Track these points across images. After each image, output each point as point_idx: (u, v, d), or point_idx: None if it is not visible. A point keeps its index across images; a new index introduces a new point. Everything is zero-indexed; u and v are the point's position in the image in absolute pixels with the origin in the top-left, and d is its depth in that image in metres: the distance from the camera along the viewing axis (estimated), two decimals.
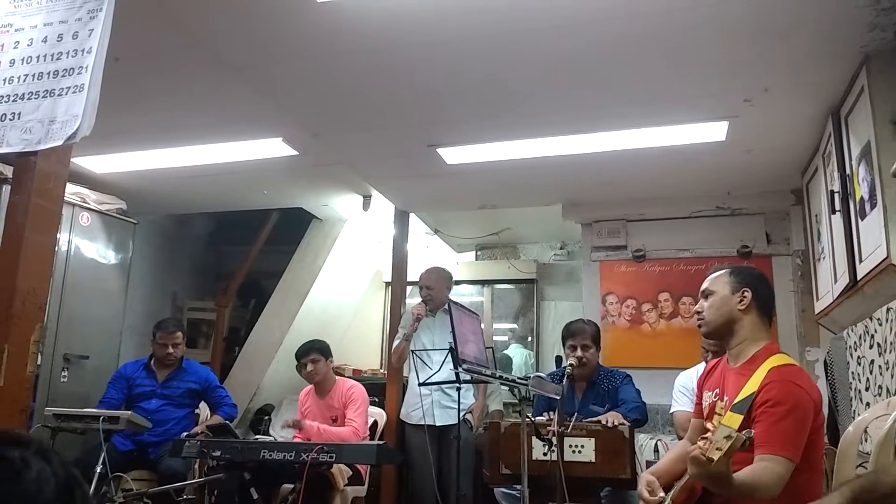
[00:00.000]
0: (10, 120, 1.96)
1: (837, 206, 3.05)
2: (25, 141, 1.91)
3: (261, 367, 5.40)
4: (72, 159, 2.02)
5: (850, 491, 1.22)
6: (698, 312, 2.19)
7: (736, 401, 1.93)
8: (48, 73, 1.97)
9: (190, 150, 4.00)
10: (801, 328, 4.28)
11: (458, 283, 5.51)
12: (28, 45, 2.04)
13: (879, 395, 2.74)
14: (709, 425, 2.10)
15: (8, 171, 3.53)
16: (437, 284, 4.26)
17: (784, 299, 4.39)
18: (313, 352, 4.04)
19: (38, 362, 3.90)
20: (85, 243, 4.37)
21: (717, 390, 2.09)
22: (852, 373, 3.18)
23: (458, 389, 3.56)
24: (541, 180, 4.35)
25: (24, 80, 1.99)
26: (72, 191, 4.24)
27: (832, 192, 3.11)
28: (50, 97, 1.94)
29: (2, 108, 2.00)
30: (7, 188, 3.63)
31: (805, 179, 3.92)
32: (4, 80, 2.03)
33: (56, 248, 3.77)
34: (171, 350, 4.01)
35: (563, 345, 3.57)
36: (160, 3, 2.52)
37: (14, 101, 1.98)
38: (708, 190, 4.46)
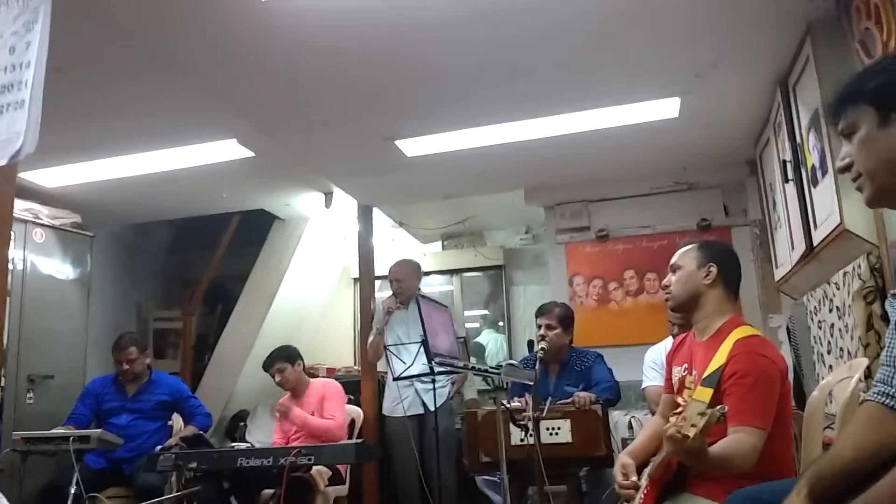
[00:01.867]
0: None
1: (790, 174, 3.11)
2: None
3: (232, 373, 5.34)
4: (20, 174, 1.97)
5: (806, 483, 1.24)
6: (665, 287, 2.23)
7: (705, 374, 1.97)
8: None
9: (143, 157, 3.91)
10: (763, 296, 4.37)
11: (426, 273, 5.51)
12: None
13: (841, 357, 2.82)
14: (680, 400, 2.15)
15: None
16: (406, 276, 4.27)
17: (745, 269, 4.34)
18: (277, 361, 4.00)
19: (2, 385, 3.83)
20: (41, 260, 4.26)
21: (686, 365, 2.13)
22: (814, 337, 3.26)
23: (433, 380, 3.58)
24: (501, 166, 4.36)
25: None
26: (23, 207, 4.12)
27: (784, 162, 3.18)
28: None
29: None
30: None
31: (758, 150, 4.00)
32: None
33: (10, 268, 3.67)
34: (126, 366, 3.93)
35: (536, 323, 3.61)
36: (100, 9, 2.46)
37: None
38: (665, 166, 4.52)
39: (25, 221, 4.14)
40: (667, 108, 3.53)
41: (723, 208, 4.63)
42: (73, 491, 3.03)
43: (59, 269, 4.38)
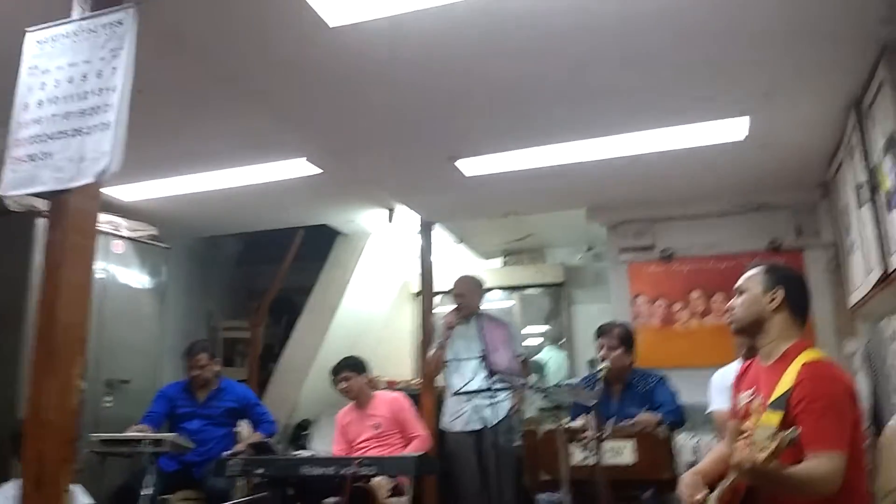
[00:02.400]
0: (42, 160, 2.03)
1: (865, 198, 3.00)
2: (58, 179, 1.97)
3: (296, 382, 5.46)
4: (102, 189, 2.08)
5: None
6: (730, 309, 2.18)
7: (772, 399, 1.92)
8: (75, 113, 2.03)
9: (217, 174, 4.07)
10: (837, 321, 4.20)
11: (486, 290, 5.53)
12: (55, 86, 2.10)
13: None
14: (746, 425, 2.09)
15: (40, 203, 3.63)
16: (469, 291, 4.29)
17: (818, 292, 4.31)
18: (345, 370, 4.08)
19: (83, 389, 4.02)
20: (120, 270, 4.46)
21: (752, 390, 2.08)
22: (891, 365, 3.12)
23: (493, 397, 3.58)
24: (563, 186, 4.34)
25: (53, 120, 2.05)
26: (104, 220, 4.33)
27: (858, 185, 3.06)
28: (78, 136, 1.99)
29: (33, 148, 2.06)
30: (40, 221, 3.77)
31: (831, 172, 3.86)
32: (34, 120, 2.10)
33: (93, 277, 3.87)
34: (197, 372, 4.08)
35: (596, 343, 3.57)
36: (178, 36, 2.59)
37: (44, 141, 2.05)
38: (733, 186, 4.41)
39: (106, 233, 4.36)
40: (735, 129, 3.45)
41: (794, 230, 4.49)
42: (146, 492, 3.15)
43: (137, 279, 4.58)
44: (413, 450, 3.85)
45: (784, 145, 3.68)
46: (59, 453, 1.78)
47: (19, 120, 2.11)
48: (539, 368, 5.94)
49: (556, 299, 6.13)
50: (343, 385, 4.06)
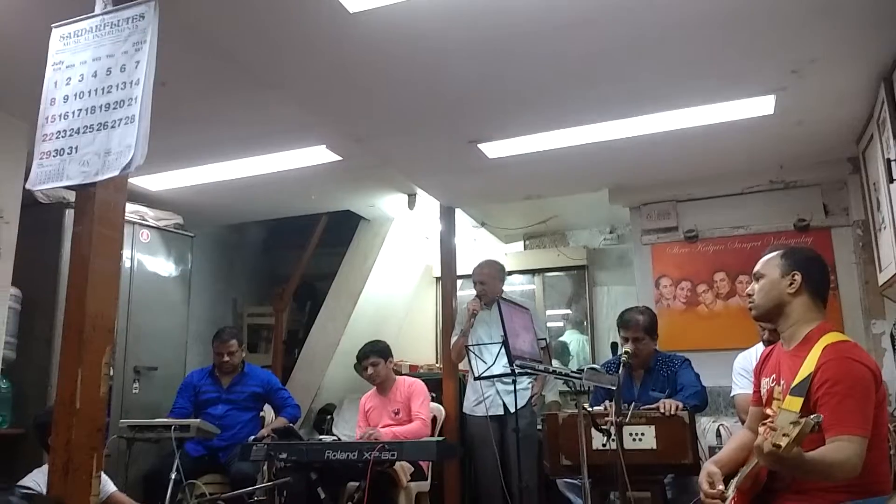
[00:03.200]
0: (69, 154, 2.06)
1: (895, 174, 2.94)
2: (84, 173, 2.01)
3: (320, 367, 5.52)
4: (129, 180, 2.12)
5: None
6: (749, 295, 2.17)
7: (794, 384, 1.91)
8: (100, 107, 2.06)
9: (239, 162, 4.11)
10: (866, 300, 4.14)
11: (508, 273, 5.53)
12: (79, 81, 2.13)
13: None
14: (768, 411, 2.08)
15: (70, 195, 3.69)
16: (490, 279, 4.30)
17: (846, 271, 4.26)
18: (372, 355, 4.13)
19: (111, 376, 4.12)
20: (147, 259, 4.54)
21: (774, 375, 2.07)
22: None
23: (514, 381, 3.59)
24: (585, 167, 4.31)
25: (79, 115, 2.09)
26: (131, 210, 4.41)
27: (889, 161, 3.00)
28: (104, 129, 2.03)
29: (60, 142, 2.10)
30: (69, 212, 3.84)
31: (861, 147, 3.78)
32: (60, 115, 2.13)
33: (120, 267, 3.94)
34: (226, 358, 4.17)
35: (619, 333, 3.55)
36: (198, 28, 2.61)
37: (71, 135, 2.08)
38: (759, 164, 4.34)
39: (133, 223, 4.43)
40: (762, 106, 3.39)
41: (822, 208, 4.41)
42: (173, 476, 3.23)
43: (163, 267, 4.66)
44: (411, 429, 3.89)
45: (812, 121, 3.61)
46: (87, 441, 1.83)
47: (46, 115, 2.15)
48: (563, 350, 5.94)
49: (579, 282, 6.10)
50: (370, 371, 4.11)
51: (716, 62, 2.98)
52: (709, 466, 2.13)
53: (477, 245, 6.11)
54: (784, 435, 1.55)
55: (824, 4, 2.52)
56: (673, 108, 3.42)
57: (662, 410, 3.00)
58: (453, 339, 4.38)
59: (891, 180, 3.02)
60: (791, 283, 2.04)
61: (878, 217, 3.53)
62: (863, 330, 4.10)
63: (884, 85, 3.03)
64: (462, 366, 4.65)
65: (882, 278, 3.59)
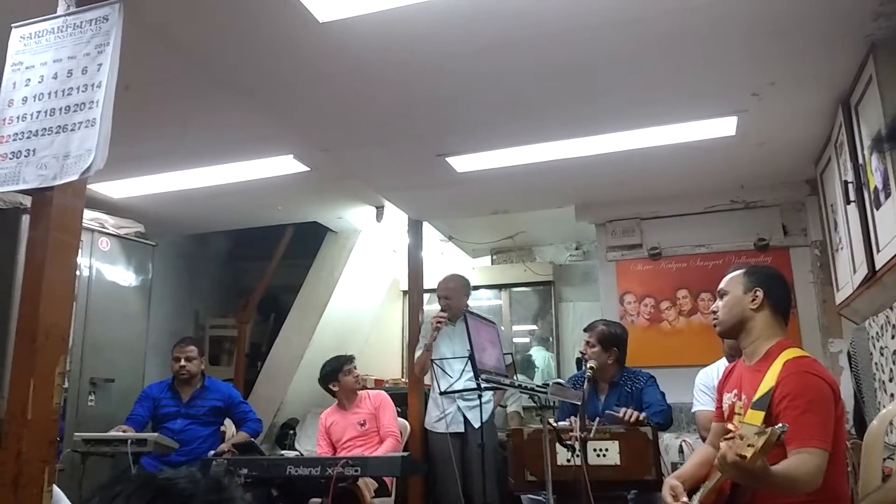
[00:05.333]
0: (26, 157, 2.00)
1: (852, 196, 3.02)
2: (41, 177, 1.95)
3: (283, 381, 5.44)
4: (88, 186, 2.07)
5: None
6: (714, 312, 2.21)
7: (755, 398, 1.94)
8: (60, 109, 2.01)
9: (204, 170, 4.05)
10: (823, 319, 4.23)
11: (475, 288, 5.52)
12: (39, 82, 2.08)
13: None
14: (730, 426, 2.10)
15: (26, 199, 3.59)
16: (454, 293, 4.28)
17: (804, 290, 4.35)
18: (353, 360, 4.10)
19: (66, 387, 4.00)
20: (105, 267, 4.43)
21: (736, 391, 2.09)
22: (875, 364, 3.15)
23: (479, 396, 3.58)
24: (552, 183, 4.35)
25: (37, 117, 2.03)
26: (90, 217, 4.31)
27: (846, 183, 3.08)
28: (63, 132, 1.97)
29: (17, 145, 2.04)
30: (25, 217, 3.73)
31: (819, 169, 3.89)
32: (18, 117, 2.07)
33: (77, 275, 3.84)
34: (183, 363, 4.05)
35: None
36: (164, 32, 2.57)
37: (28, 137, 2.02)
38: (721, 184, 4.43)
39: (92, 230, 4.33)
40: (723, 127, 3.47)
41: (781, 228, 4.51)
42: None
43: (123, 276, 4.55)
44: (385, 449, 3.86)
45: (772, 143, 3.70)
46: (38, 454, 1.76)
47: (3, 117, 2.08)
48: (530, 367, 5.95)
49: (545, 298, 6.14)
50: (356, 372, 4.10)
51: (678, 83, 3.03)
52: (671, 480, 2.15)
53: (444, 259, 6.11)
54: (749, 445, 1.56)
55: (783, 29, 2.59)
56: (638, 127, 3.47)
57: (624, 417, 3.01)
58: (417, 354, 4.35)
59: (848, 202, 3.11)
60: (753, 300, 2.08)
61: (836, 238, 3.63)
62: (820, 348, 4.19)
63: (841, 108, 3.12)
64: (426, 380, 4.63)
65: (839, 298, 3.67)
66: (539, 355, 6.07)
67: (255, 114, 3.29)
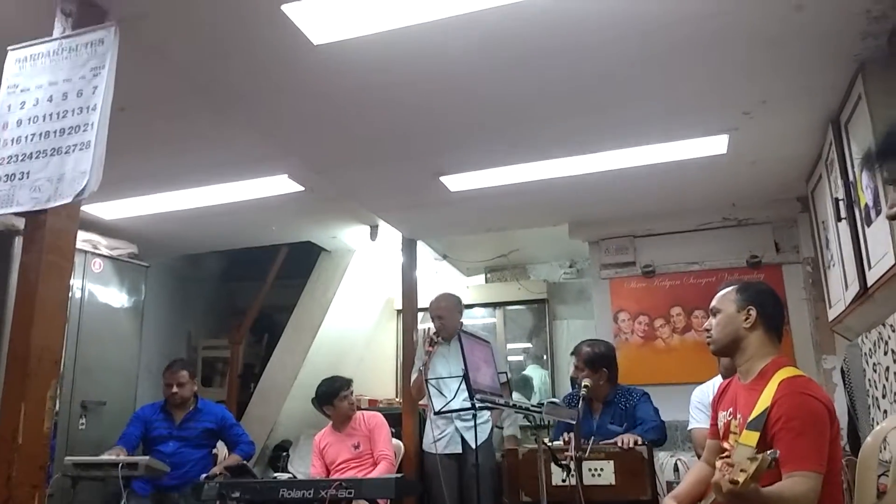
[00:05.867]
0: (20, 179, 2.01)
1: (843, 213, 3.04)
2: (35, 199, 1.95)
3: (277, 402, 5.40)
4: (81, 207, 2.07)
5: None
6: (707, 330, 2.21)
7: (750, 418, 1.93)
8: (55, 132, 2.02)
9: (198, 191, 4.05)
10: (816, 336, 4.25)
11: (469, 306, 5.52)
12: (34, 105, 2.09)
13: None
14: (725, 445, 2.10)
15: (20, 221, 3.58)
16: (448, 312, 4.26)
17: (797, 307, 4.37)
18: (351, 384, 4.06)
19: (56, 410, 3.96)
20: (98, 289, 4.41)
21: (731, 409, 2.09)
22: (869, 380, 3.15)
23: (474, 416, 3.56)
24: (545, 201, 4.37)
25: (32, 140, 2.04)
26: (83, 238, 4.29)
27: (837, 200, 3.11)
28: (57, 155, 1.98)
29: (11, 167, 2.04)
30: (18, 239, 3.71)
31: (810, 187, 3.92)
32: (13, 140, 2.08)
33: (69, 296, 3.83)
34: (175, 390, 4.02)
35: None
36: (161, 53, 2.58)
37: (22, 160, 2.03)
38: (713, 202, 4.46)
39: (85, 252, 4.31)
40: (715, 145, 3.50)
41: (773, 245, 4.54)
42: None
43: (115, 297, 4.53)
44: (379, 472, 3.83)
45: (764, 161, 3.73)
46: (28, 479, 1.75)
47: None
48: (527, 384, 5.93)
49: (539, 316, 6.13)
50: (353, 398, 4.04)
51: (670, 102, 3.07)
52: (668, 501, 2.14)
53: (438, 277, 6.10)
54: (742, 471, 1.57)
55: (774, 48, 2.62)
56: (630, 145, 3.49)
57: (620, 445, 3.00)
58: (413, 377, 4.32)
59: (839, 219, 3.13)
60: (747, 318, 2.08)
61: (828, 255, 3.65)
62: (814, 365, 4.20)
63: (832, 127, 3.15)
64: (422, 401, 4.60)
65: (832, 314, 3.69)
66: (536, 374, 6.05)
67: (250, 134, 3.30)
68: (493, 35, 2.48)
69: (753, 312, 2.07)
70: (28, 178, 1.99)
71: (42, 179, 1.97)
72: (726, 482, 1.56)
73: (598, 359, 3.45)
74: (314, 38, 2.46)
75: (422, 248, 5.35)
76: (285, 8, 2.30)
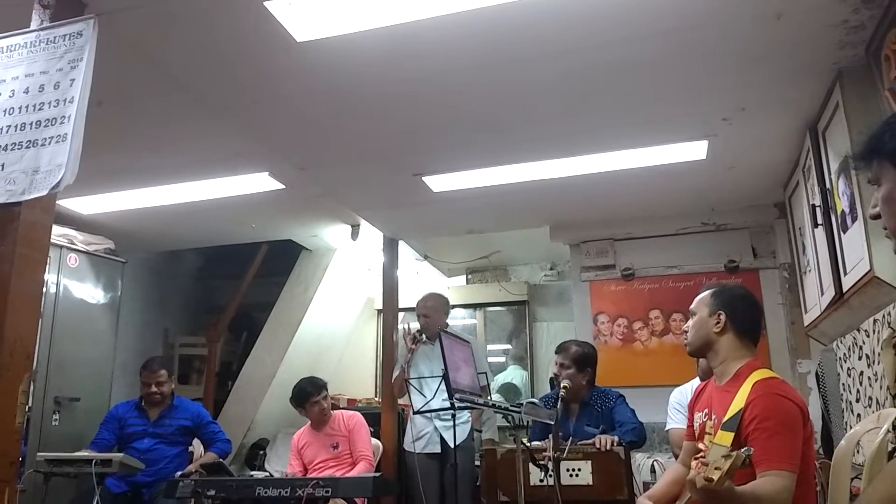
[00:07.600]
0: None
1: (819, 219, 3.08)
2: (9, 192, 1.91)
3: (254, 401, 5.36)
4: (58, 202, 2.04)
5: None
6: (685, 331, 2.24)
7: (725, 419, 1.95)
8: (30, 124, 1.98)
9: (177, 187, 4.01)
10: (792, 341, 4.30)
11: (451, 307, 5.50)
12: (10, 97, 2.05)
13: (870, 406, 2.76)
14: (701, 445, 2.12)
15: None
16: (434, 312, 4.27)
17: (773, 312, 4.42)
18: (324, 389, 4.02)
19: (29, 405, 3.89)
20: (73, 284, 4.35)
21: (706, 410, 2.11)
22: (843, 384, 3.20)
23: (453, 416, 3.56)
24: (527, 204, 4.38)
25: (7, 132, 2.00)
26: (59, 233, 4.23)
27: (813, 206, 3.15)
28: (33, 147, 1.95)
29: None
30: None
31: (787, 193, 3.97)
32: None
33: (44, 291, 3.77)
34: (154, 389, 3.98)
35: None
36: (140, 48, 2.55)
37: None
38: (692, 207, 4.51)
39: (60, 247, 4.25)
40: (694, 151, 3.53)
41: (751, 250, 4.59)
42: None
43: (91, 293, 4.47)
44: (358, 471, 3.81)
45: (742, 167, 3.78)
46: None
47: None
48: (510, 387, 5.92)
49: (520, 317, 6.15)
50: (324, 404, 4.00)
51: (651, 108, 3.09)
52: (643, 500, 2.15)
53: (420, 278, 6.10)
54: (716, 469, 1.58)
55: (753, 56, 2.65)
56: (611, 149, 3.52)
57: (598, 446, 3.01)
58: (394, 374, 4.32)
59: (815, 225, 3.17)
60: (717, 323, 2.11)
61: (804, 260, 3.70)
62: (789, 369, 4.25)
63: (809, 134, 3.20)
64: (402, 400, 4.59)
65: (807, 319, 3.74)
66: (515, 374, 6.05)
67: (230, 130, 3.27)
68: (476, 36, 2.48)
69: (723, 317, 2.10)
70: (3, 169, 1.95)
71: (17, 171, 1.94)
72: (701, 479, 1.57)
73: (586, 359, 3.48)
74: (297, 35, 2.44)
75: (403, 249, 5.34)
76: (268, 4, 2.28)
